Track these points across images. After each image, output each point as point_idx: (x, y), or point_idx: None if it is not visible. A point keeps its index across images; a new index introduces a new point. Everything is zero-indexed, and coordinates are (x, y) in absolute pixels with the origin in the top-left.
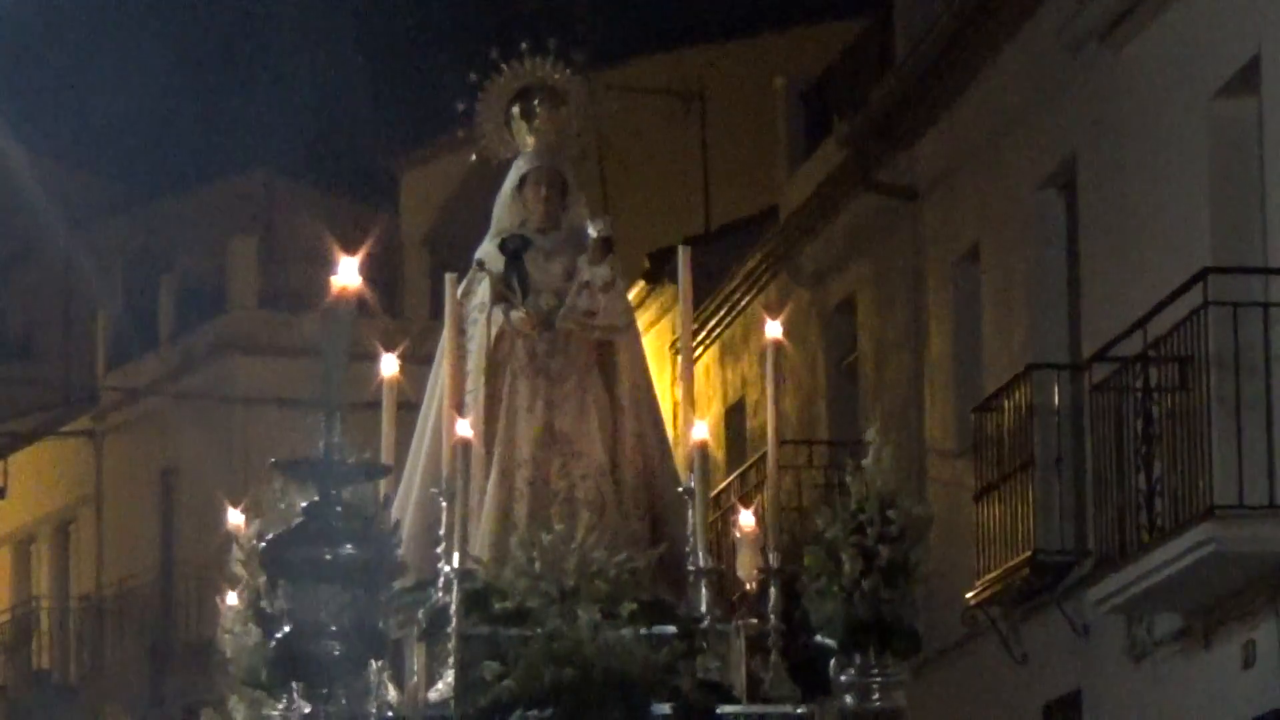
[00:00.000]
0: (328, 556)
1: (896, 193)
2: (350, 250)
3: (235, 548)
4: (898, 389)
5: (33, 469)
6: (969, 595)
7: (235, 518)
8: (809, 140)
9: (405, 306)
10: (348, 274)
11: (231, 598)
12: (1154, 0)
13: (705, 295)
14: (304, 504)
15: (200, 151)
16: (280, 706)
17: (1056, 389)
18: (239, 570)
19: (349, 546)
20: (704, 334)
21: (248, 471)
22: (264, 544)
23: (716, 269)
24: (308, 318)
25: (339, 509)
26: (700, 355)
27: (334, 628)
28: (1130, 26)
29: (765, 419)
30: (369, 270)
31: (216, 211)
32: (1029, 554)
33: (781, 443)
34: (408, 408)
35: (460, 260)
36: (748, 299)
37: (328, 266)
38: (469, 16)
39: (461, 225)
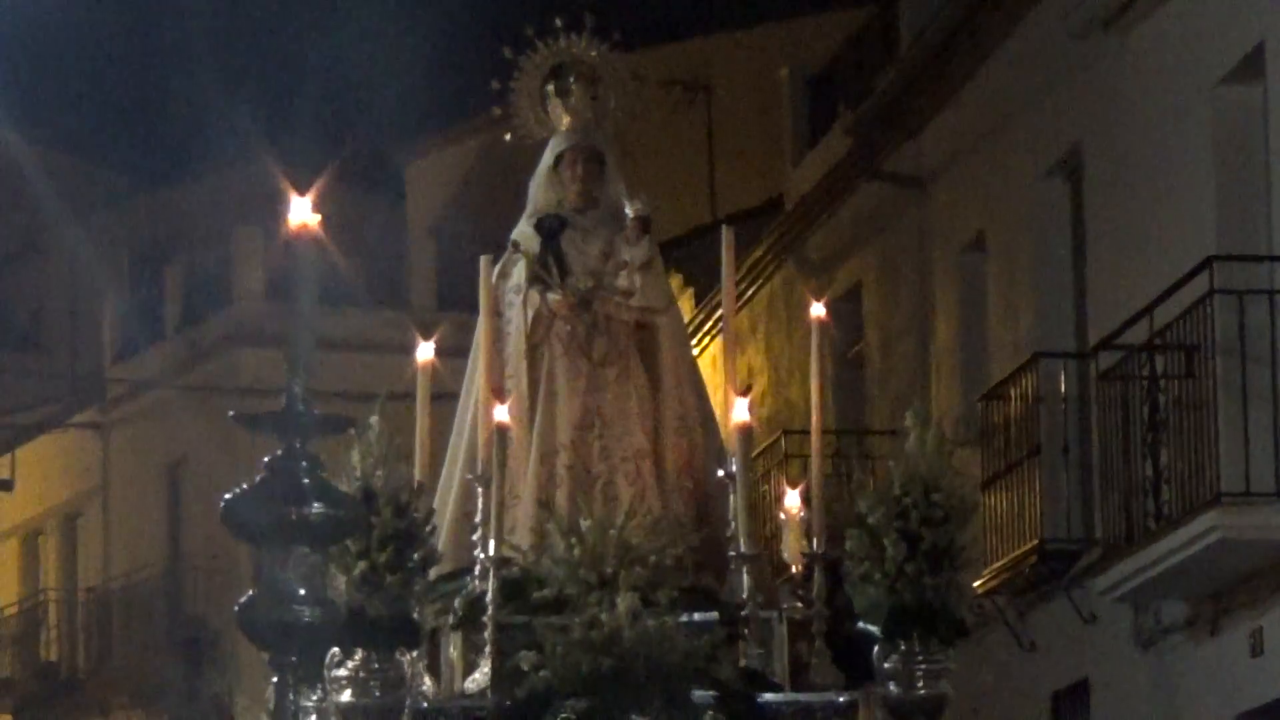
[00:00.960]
0: (294, 516)
1: (902, 181)
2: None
3: None
4: (904, 378)
5: (39, 462)
6: (976, 584)
7: None
8: (814, 129)
9: (411, 296)
10: (302, 212)
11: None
12: None
13: (710, 286)
14: (264, 459)
15: (205, 142)
16: (314, 698)
17: (1063, 377)
18: None
19: (317, 505)
20: (710, 323)
21: (254, 463)
22: (222, 504)
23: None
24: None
25: (304, 463)
26: (707, 345)
27: (303, 592)
28: (1135, 13)
29: (771, 409)
30: (374, 257)
31: (222, 202)
32: (1036, 542)
33: (788, 432)
34: (446, 398)
35: (465, 249)
36: (753, 289)
37: (336, 257)
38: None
39: (467, 214)
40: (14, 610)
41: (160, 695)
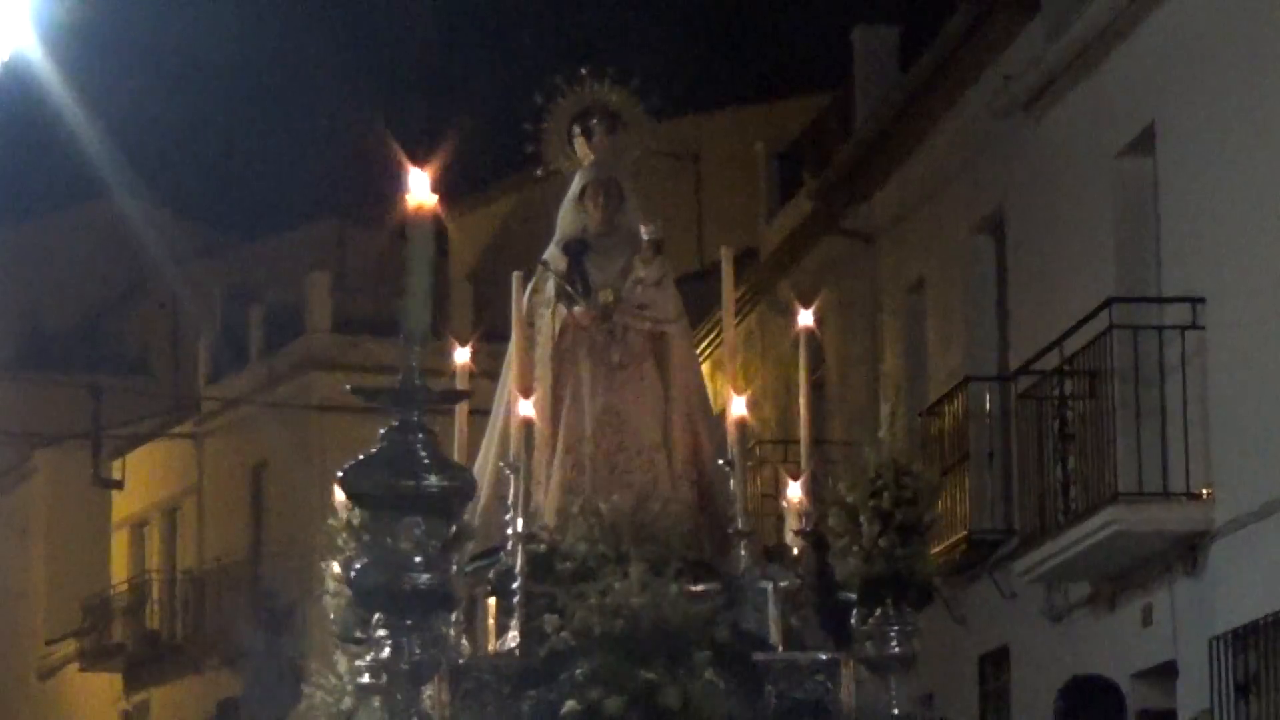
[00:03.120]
0: (409, 484)
1: (856, 236)
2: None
3: (333, 520)
4: (857, 398)
5: (146, 465)
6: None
7: (340, 493)
8: (783, 193)
9: (453, 331)
10: (421, 189)
11: (334, 566)
12: (1067, 76)
13: (699, 319)
14: (381, 430)
15: (282, 202)
16: (368, 657)
17: (988, 397)
18: (339, 541)
19: (432, 476)
20: (701, 349)
21: (324, 467)
22: (344, 473)
23: (707, 300)
24: (374, 340)
25: (421, 435)
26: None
27: (417, 559)
28: (1048, 98)
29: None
30: None
31: (296, 252)
32: (965, 533)
33: (762, 442)
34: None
35: (499, 292)
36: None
37: (390, 297)
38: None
39: (500, 264)
40: (124, 588)
41: (244, 657)
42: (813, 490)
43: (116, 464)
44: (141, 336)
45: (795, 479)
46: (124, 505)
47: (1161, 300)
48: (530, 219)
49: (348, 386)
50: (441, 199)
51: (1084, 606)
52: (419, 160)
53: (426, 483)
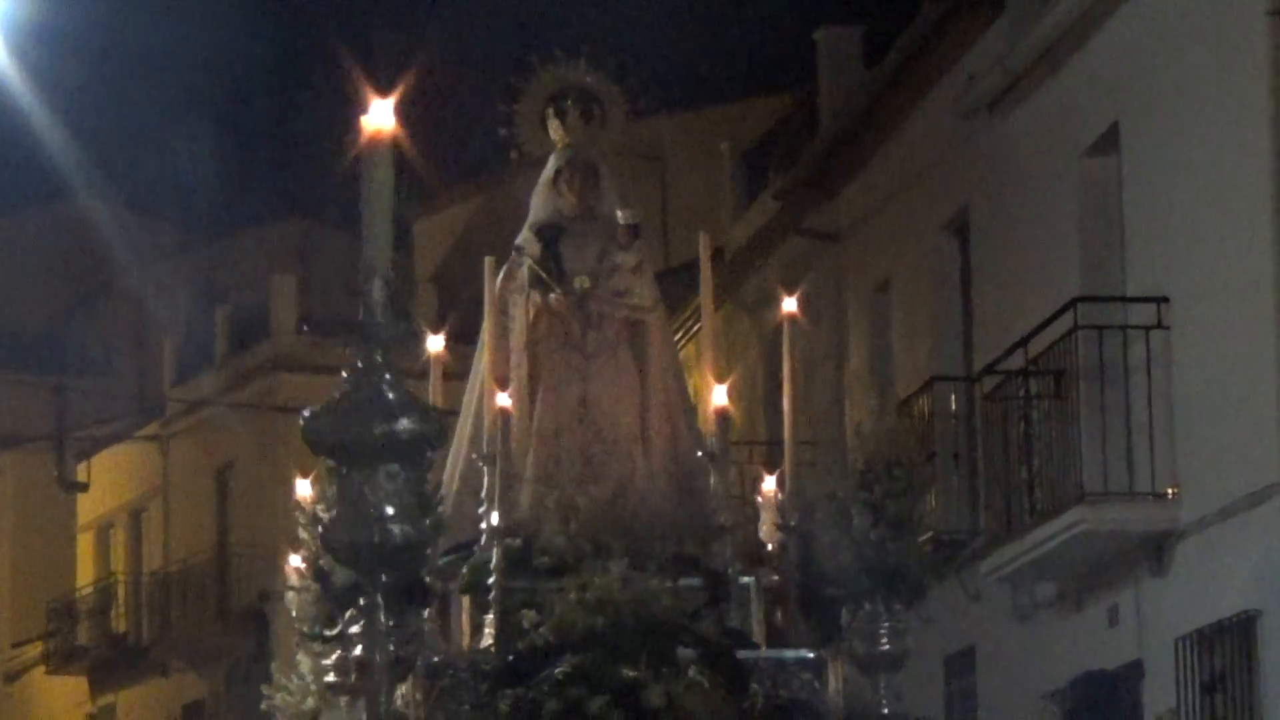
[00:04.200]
0: (379, 429)
1: (821, 236)
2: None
3: (299, 514)
4: (823, 398)
5: (111, 467)
6: None
7: (303, 487)
8: (749, 193)
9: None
10: (381, 116)
11: (294, 560)
12: (1032, 76)
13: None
14: (343, 374)
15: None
16: (334, 655)
17: (954, 397)
18: (303, 535)
19: (404, 420)
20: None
21: (290, 468)
22: (306, 421)
23: (674, 299)
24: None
25: (388, 377)
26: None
27: (390, 510)
28: (1012, 98)
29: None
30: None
31: (262, 253)
32: (931, 533)
33: (731, 443)
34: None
35: (464, 293)
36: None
37: (356, 298)
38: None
39: (463, 265)
40: (90, 590)
41: (211, 660)
42: (789, 485)
43: (81, 466)
44: (106, 338)
45: (770, 473)
46: (89, 507)
47: (1126, 300)
48: (494, 221)
49: (305, 328)
50: (405, 202)
51: (1050, 606)
52: (381, 90)
53: (398, 427)
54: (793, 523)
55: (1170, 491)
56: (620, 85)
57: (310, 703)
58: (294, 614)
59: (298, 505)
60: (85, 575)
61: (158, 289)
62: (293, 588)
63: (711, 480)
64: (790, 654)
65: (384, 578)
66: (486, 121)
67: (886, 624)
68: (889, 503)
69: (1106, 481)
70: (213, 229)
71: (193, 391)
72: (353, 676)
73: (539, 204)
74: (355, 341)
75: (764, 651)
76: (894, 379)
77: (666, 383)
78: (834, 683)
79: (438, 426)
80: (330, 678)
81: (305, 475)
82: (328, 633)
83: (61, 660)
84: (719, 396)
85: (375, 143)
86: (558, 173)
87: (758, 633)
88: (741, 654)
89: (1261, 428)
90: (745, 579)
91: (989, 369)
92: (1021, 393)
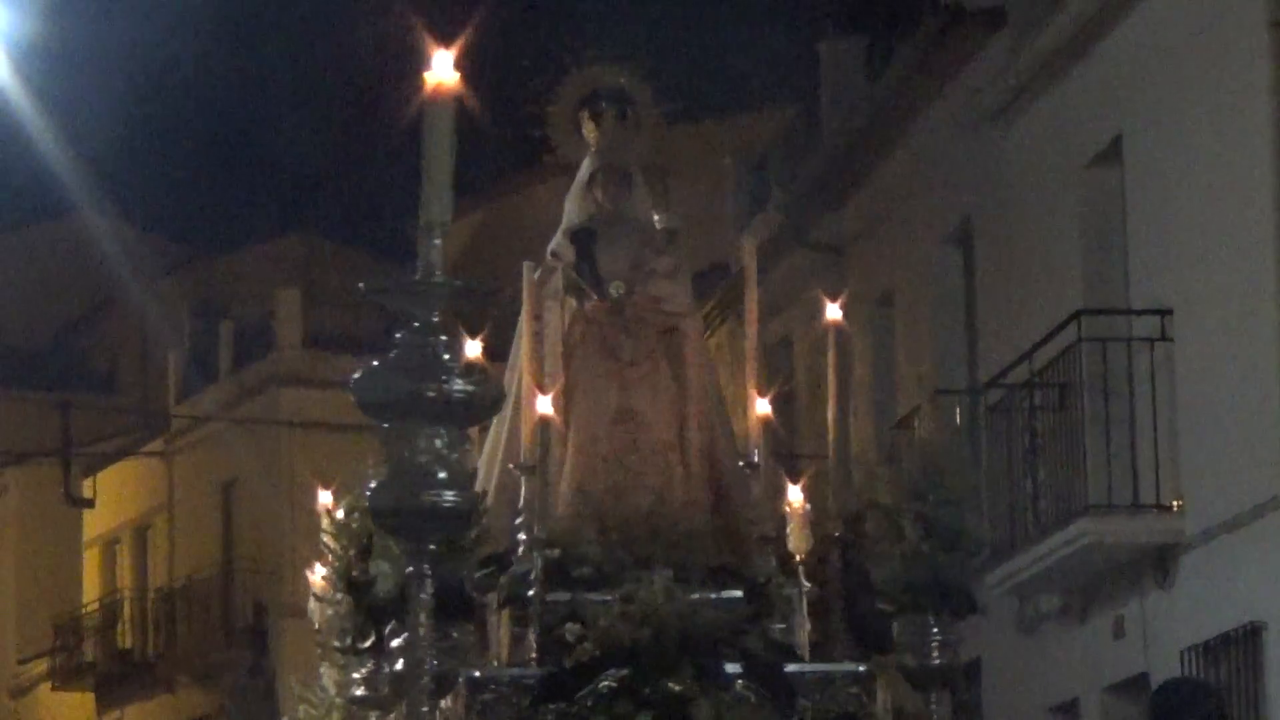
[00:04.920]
0: (430, 393)
1: (825, 249)
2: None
3: (325, 523)
4: (827, 411)
5: (116, 483)
6: None
7: (325, 497)
8: (753, 206)
9: None
10: (442, 68)
11: (320, 570)
12: (1034, 87)
13: None
14: (396, 334)
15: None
16: (365, 669)
17: (958, 410)
18: (330, 544)
19: (457, 381)
20: None
21: (295, 484)
22: (356, 379)
23: None
24: (344, 357)
25: (442, 338)
26: None
27: (440, 475)
28: (1014, 110)
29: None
30: (390, 317)
31: (266, 267)
32: None
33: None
34: None
35: (470, 307)
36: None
37: (359, 312)
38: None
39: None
40: (95, 606)
41: (216, 674)
42: (834, 495)
43: (87, 482)
44: (111, 353)
45: (795, 483)
46: (95, 523)
47: (1130, 312)
48: (498, 235)
49: (361, 285)
50: (410, 214)
51: (1055, 619)
52: (443, 41)
53: (451, 388)
54: (836, 533)
55: (1175, 503)
56: (654, 87)
57: (335, 717)
58: (317, 626)
59: (325, 513)
60: (91, 591)
61: (162, 305)
62: (319, 598)
63: (753, 490)
64: (838, 667)
65: (431, 546)
66: (502, 126)
67: (938, 637)
68: (941, 513)
69: (1111, 494)
70: (216, 244)
71: (197, 407)
72: (386, 690)
73: (573, 208)
74: (410, 299)
75: (812, 665)
76: (897, 393)
77: (703, 391)
78: (883, 697)
79: (494, 390)
80: (359, 691)
81: (326, 486)
82: (360, 645)
83: (67, 676)
84: (762, 406)
85: (437, 94)
86: (592, 176)
87: (802, 646)
88: (788, 668)
89: (1266, 439)
90: (789, 590)
91: (993, 382)
92: (1026, 405)
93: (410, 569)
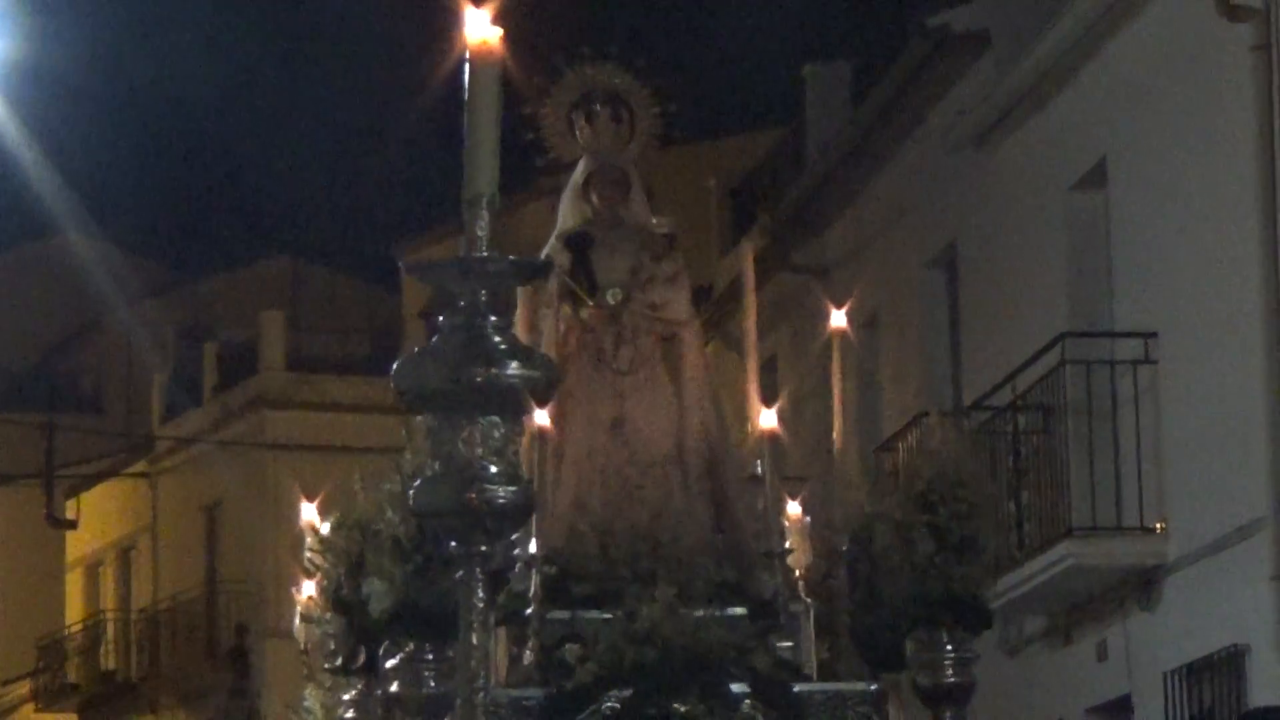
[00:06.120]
0: (479, 379)
1: (809, 271)
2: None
3: (309, 540)
4: (812, 433)
5: (100, 504)
6: None
7: (309, 513)
8: (736, 228)
9: None
10: (480, 26)
11: (308, 588)
12: (1019, 111)
13: None
14: (441, 318)
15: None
16: (354, 691)
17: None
18: (317, 561)
19: (512, 363)
20: None
21: (279, 505)
22: (396, 369)
23: None
24: (328, 379)
25: (493, 319)
26: None
27: (493, 469)
28: (999, 133)
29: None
30: (377, 335)
31: (250, 290)
32: None
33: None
34: None
35: None
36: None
37: (343, 335)
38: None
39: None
40: (79, 627)
41: (200, 696)
42: (841, 508)
43: (70, 503)
44: (95, 375)
45: (793, 498)
46: (78, 545)
47: (1114, 335)
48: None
49: (402, 264)
50: (393, 239)
51: (1039, 641)
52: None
53: (505, 372)
54: (843, 547)
55: (1159, 526)
56: (651, 88)
57: None
58: (303, 647)
59: (310, 529)
60: (74, 612)
61: (146, 327)
62: (306, 618)
63: (759, 504)
64: (849, 686)
65: (483, 548)
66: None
67: (951, 654)
68: (954, 525)
69: (1095, 516)
70: (201, 267)
71: (181, 429)
72: (378, 713)
73: (567, 211)
74: (456, 278)
75: (821, 684)
76: (881, 414)
77: (703, 401)
78: (894, 716)
79: (551, 373)
80: (349, 715)
81: (310, 499)
82: (351, 666)
83: (51, 697)
84: (767, 419)
85: (480, 53)
86: (587, 179)
87: (809, 664)
88: (797, 687)
89: (1249, 462)
90: (795, 607)
91: (977, 404)
92: (1010, 428)
93: (460, 574)
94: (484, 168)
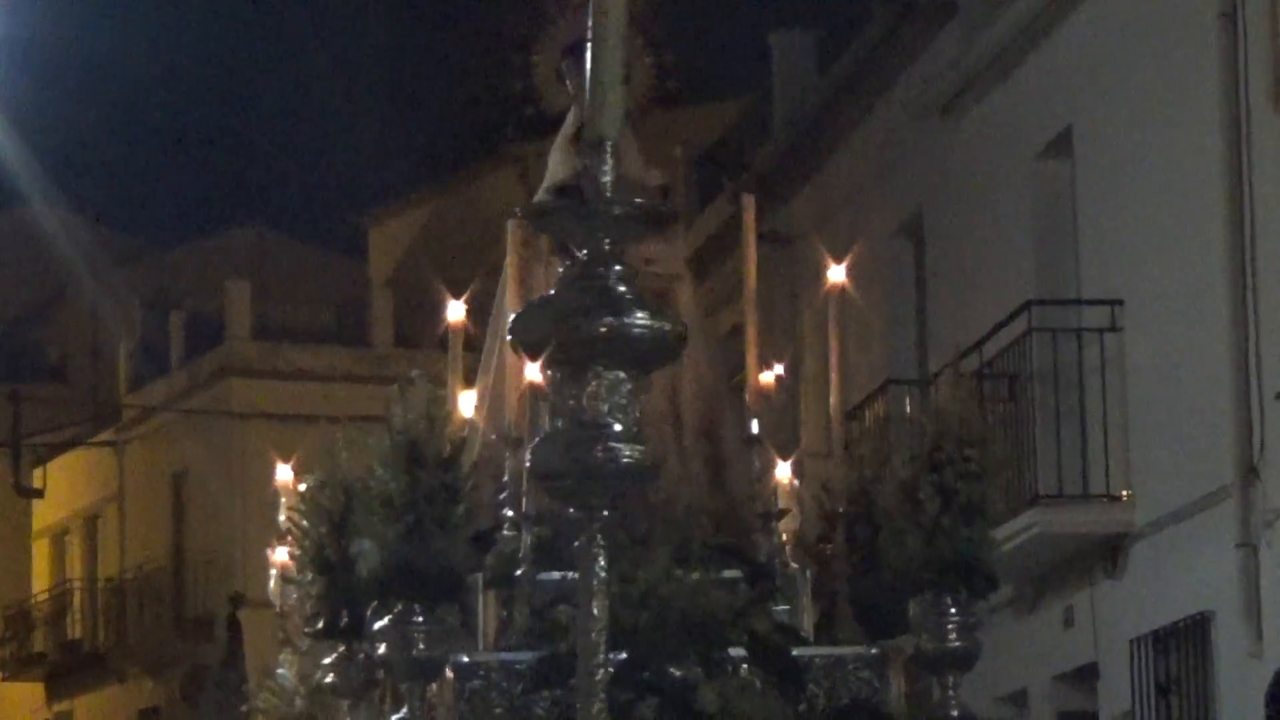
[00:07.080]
0: (603, 329)
1: (775, 240)
2: None
3: (283, 501)
4: (778, 401)
5: (66, 473)
6: None
7: (284, 473)
8: (703, 198)
9: (373, 337)
10: None
11: (281, 552)
12: (984, 79)
13: None
14: (564, 265)
15: (202, 210)
16: (334, 655)
17: (908, 400)
18: (297, 521)
19: (638, 314)
20: None
21: (245, 475)
22: (514, 320)
23: None
24: (294, 348)
25: (617, 267)
26: None
27: (616, 426)
28: (965, 101)
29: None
30: (343, 304)
31: (216, 259)
32: None
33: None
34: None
35: (419, 298)
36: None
37: (310, 305)
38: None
39: (419, 269)
40: (45, 597)
41: (167, 666)
42: (837, 469)
43: (37, 472)
44: (61, 344)
45: (785, 459)
46: (45, 514)
47: (1080, 303)
48: (450, 225)
49: (518, 209)
50: (360, 208)
51: (1005, 609)
52: None
53: (630, 322)
54: (840, 509)
55: (1125, 494)
56: (644, 34)
57: (299, 704)
58: (279, 610)
59: (286, 489)
60: (41, 582)
61: (112, 296)
62: (286, 579)
63: (755, 465)
64: (849, 651)
65: (605, 512)
66: (434, 132)
67: (956, 618)
68: (961, 486)
69: (1061, 484)
70: (167, 237)
71: (148, 398)
72: (360, 676)
73: (557, 163)
74: (576, 223)
75: (820, 649)
76: (848, 383)
77: (698, 359)
78: (896, 682)
79: (679, 326)
80: (329, 679)
81: (285, 461)
82: (334, 629)
83: (18, 667)
84: (765, 377)
85: None
86: (578, 130)
87: (807, 628)
88: (797, 651)
89: (1215, 430)
90: (793, 569)
91: (943, 372)
92: (976, 396)
93: (580, 542)
94: (607, 110)
